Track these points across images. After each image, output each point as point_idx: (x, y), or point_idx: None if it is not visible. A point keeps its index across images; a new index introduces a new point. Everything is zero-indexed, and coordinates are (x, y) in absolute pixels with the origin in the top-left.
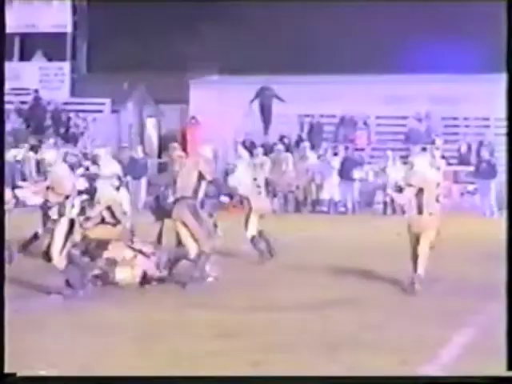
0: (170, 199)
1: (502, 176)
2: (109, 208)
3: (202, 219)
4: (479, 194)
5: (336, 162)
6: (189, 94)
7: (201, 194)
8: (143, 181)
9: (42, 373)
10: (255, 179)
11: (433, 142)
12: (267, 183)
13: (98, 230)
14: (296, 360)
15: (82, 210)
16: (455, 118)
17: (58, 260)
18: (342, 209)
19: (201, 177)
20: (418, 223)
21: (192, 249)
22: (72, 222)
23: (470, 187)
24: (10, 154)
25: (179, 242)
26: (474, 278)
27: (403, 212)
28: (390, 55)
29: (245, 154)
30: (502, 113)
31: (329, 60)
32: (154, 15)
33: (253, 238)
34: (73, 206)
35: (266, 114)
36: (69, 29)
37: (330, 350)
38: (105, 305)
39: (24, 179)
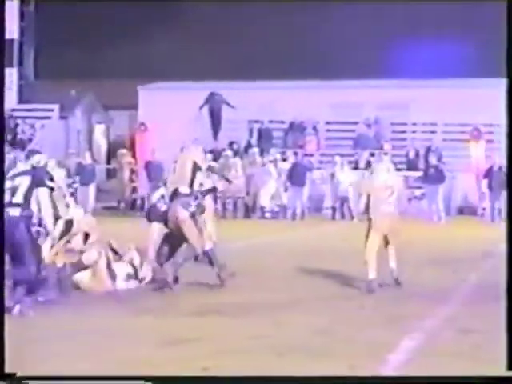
0: (156, 199)
1: (449, 181)
2: (86, 235)
3: (196, 219)
4: (427, 199)
5: (285, 168)
6: (138, 99)
7: (196, 186)
8: (91, 187)
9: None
10: (201, 184)
11: (381, 148)
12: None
13: (61, 256)
14: (246, 365)
15: None
16: (404, 124)
17: (49, 260)
18: (292, 214)
19: (195, 167)
20: (376, 225)
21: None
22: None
23: (417, 192)
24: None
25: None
26: (422, 282)
27: (352, 217)
28: (340, 61)
29: None
30: (450, 118)
31: (278, 66)
32: (102, 21)
33: None
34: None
35: (215, 119)
36: (16, 35)
37: (281, 355)
38: (59, 310)
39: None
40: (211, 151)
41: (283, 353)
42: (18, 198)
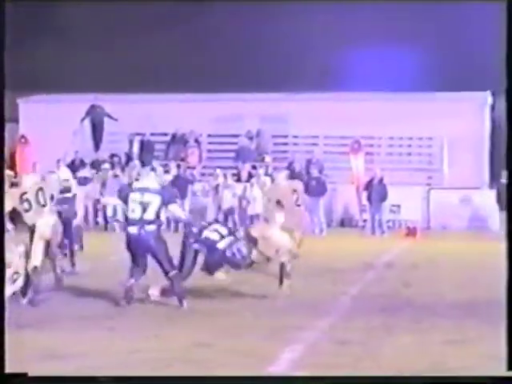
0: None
1: (330, 193)
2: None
3: None
4: (308, 211)
5: (167, 180)
6: (18, 112)
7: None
8: None
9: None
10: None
11: (263, 160)
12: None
13: None
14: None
15: None
16: (285, 136)
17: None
18: (174, 227)
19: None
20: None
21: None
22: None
23: None
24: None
25: None
26: (303, 294)
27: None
28: (222, 74)
29: (66, 172)
30: (331, 131)
31: (159, 78)
32: None
33: None
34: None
35: (96, 132)
36: None
37: (162, 368)
38: None
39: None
40: (92, 164)
41: (165, 366)
42: (150, 214)
